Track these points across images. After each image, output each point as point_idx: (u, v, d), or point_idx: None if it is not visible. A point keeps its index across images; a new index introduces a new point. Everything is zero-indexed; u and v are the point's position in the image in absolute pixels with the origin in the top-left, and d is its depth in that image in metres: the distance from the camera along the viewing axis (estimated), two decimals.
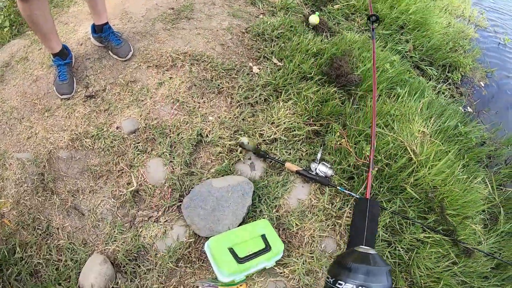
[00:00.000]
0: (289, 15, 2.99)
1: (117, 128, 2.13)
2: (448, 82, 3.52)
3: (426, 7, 3.78)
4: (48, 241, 1.83)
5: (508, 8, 6.11)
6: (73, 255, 1.79)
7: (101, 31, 2.38)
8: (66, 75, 2.24)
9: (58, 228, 1.86)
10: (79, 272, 1.72)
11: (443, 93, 3.28)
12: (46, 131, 2.13)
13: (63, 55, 2.25)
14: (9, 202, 1.90)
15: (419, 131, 2.36)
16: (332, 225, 1.94)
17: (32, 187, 1.94)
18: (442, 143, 2.39)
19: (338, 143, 2.14)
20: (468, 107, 3.46)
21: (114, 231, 1.84)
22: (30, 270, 1.75)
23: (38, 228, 1.86)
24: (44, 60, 2.47)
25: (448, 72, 3.62)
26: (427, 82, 3.13)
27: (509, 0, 6.38)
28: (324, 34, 2.89)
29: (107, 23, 2.36)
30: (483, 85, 3.88)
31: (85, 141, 2.07)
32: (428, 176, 2.08)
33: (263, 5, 3.09)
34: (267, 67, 2.49)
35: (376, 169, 2.04)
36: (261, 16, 2.99)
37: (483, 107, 3.58)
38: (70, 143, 2.07)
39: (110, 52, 2.46)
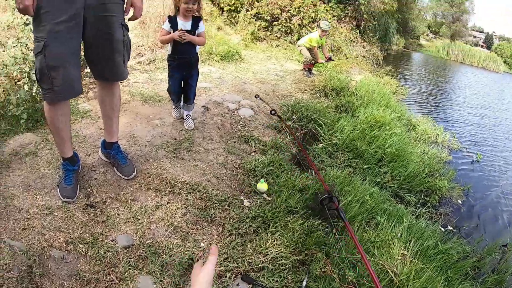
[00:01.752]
0: (278, 154, 3.44)
1: (112, 240, 2.21)
2: (427, 205, 3.83)
3: (401, 140, 4.29)
4: None
5: (464, 118, 7.62)
6: None
7: (110, 148, 2.55)
8: (72, 180, 2.32)
9: None
10: None
11: (423, 216, 3.57)
12: (42, 227, 2.12)
13: (72, 161, 2.35)
14: None
15: (399, 253, 2.60)
16: None
17: (18, 276, 1.86)
18: (422, 263, 2.60)
19: (323, 270, 2.36)
20: (449, 226, 3.72)
21: None
22: None
23: None
24: (52, 160, 2.59)
25: (426, 196, 3.96)
26: (406, 208, 3.43)
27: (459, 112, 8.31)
28: (309, 171, 3.27)
29: (117, 142, 2.56)
30: (460, 202, 4.21)
31: (79, 247, 2.11)
32: None
33: (255, 143, 3.57)
34: (257, 201, 2.79)
35: None
36: (253, 153, 3.43)
37: (462, 223, 3.85)
38: (64, 245, 2.07)
39: (115, 168, 2.58)
